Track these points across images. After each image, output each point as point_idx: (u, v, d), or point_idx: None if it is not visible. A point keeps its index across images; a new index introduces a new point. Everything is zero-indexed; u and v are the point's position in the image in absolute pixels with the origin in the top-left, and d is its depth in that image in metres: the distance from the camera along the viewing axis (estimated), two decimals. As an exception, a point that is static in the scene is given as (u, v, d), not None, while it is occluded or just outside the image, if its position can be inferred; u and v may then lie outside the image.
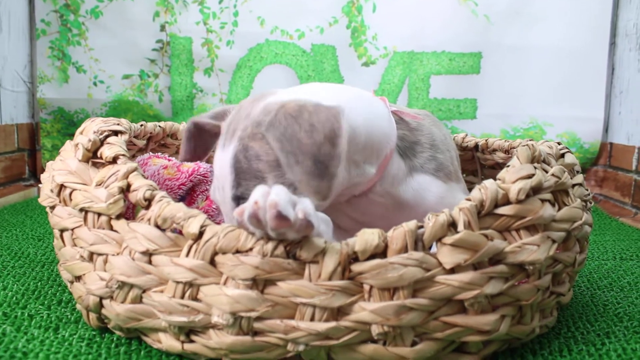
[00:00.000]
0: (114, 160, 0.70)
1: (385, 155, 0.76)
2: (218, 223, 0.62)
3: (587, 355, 0.67)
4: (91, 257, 0.67)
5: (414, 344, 0.59)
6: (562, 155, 0.79)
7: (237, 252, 0.58)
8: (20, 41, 1.78)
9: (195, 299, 0.60)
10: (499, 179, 0.64)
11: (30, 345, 0.66)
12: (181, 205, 0.62)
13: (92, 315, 0.68)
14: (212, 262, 0.59)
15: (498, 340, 0.63)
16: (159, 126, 1.05)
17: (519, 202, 0.62)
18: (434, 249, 0.60)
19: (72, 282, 0.71)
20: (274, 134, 0.63)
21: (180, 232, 0.61)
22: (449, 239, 0.58)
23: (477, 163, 1.10)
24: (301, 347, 0.57)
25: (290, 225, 0.54)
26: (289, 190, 0.56)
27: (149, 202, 0.64)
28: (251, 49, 1.89)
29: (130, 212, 0.70)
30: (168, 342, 0.62)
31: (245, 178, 0.66)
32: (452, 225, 0.59)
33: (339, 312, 0.57)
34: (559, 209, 0.67)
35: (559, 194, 0.68)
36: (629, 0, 1.78)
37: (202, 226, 0.60)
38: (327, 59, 1.90)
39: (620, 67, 1.82)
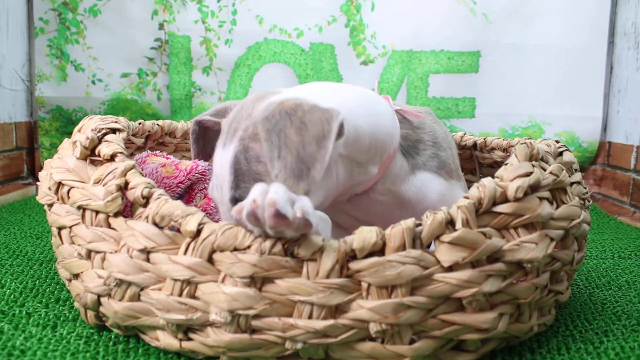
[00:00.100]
0: (112, 158, 0.70)
1: (388, 155, 0.76)
2: (216, 221, 0.62)
3: (585, 353, 0.67)
4: (89, 254, 0.67)
5: (412, 342, 0.59)
6: (561, 154, 0.79)
7: (235, 249, 0.58)
8: (18, 39, 1.78)
9: (193, 296, 0.59)
10: (497, 177, 0.64)
11: (28, 343, 0.66)
12: (179, 203, 0.62)
13: (90, 313, 0.68)
14: (210, 260, 0.59)
15: (496, 339, 0.63)
16: (157, 124, 1.05)
17: (517, 200, 0.62)
18: (432, 247, 0.60)
19: (70, 280, 0.71)
20: (265, 126, 0.63)
21: (178, 230, 0.61)
22: (447, 237, 0.58)
23: (475, 162, 1.10)
24: (299, 345, 0.57)
25: (288, 224, 0.54)
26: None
27: (146, 199, 0.64)
28: (250, 48, 1.88)
29: (128, 210, 0.70)
30: (166, 340, 0.62)
31: (244, 180, 0.66)
32: (450, 223, 0.59)
33: (337, 310, 0.57)
34: (557, 207, 0.67)
35: (557, 192, 0.68)
36: (627, -1, 1.78)
37: (200, 224, 0.60)
38: (326, 58, 1.90)
39: (619, 66, 1.82)
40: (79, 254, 0.68)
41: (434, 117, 0.89)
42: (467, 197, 0.61)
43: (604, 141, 1.88)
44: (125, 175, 0.66)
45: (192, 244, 0.59)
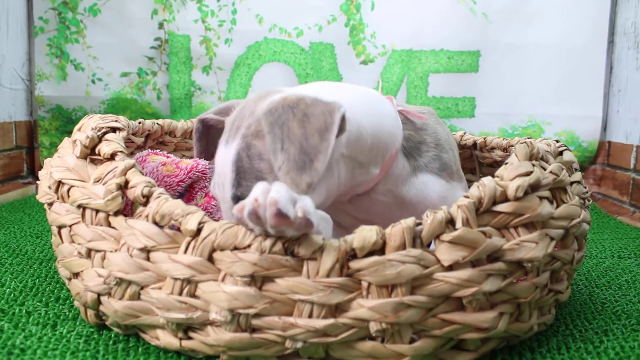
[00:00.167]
0: (112, 157, 0.70)
1: (390, 156, 0.76)
2: (217, 220, 0.62)
3: (585, 353, 0.67)
4: (89, 253, 0.67)
5: (412, 341, 0.59)
6: (561, 153, 0.79)
7: (235, 248, 0.58)
8: (18, 39, 1.78)
9: (193, 295, 0.59)
10: (497, 176, 0.64)
11: (28, 341, 0.66)
12: (179, 202, 0.62)
13: (90, 312, 0.68)
14: (210, 259, 0.59)
15: (496, 338, 0.63)
16: (157, 124, 1.05)
17: (517, 199, 0.62)
18: (432, 246, 0.60)
19: (70, 279, 0.71)
20: (268, 119, 0.63)
21: (179, 229, 0.61)
22: (447, 236, 0.58)
23: (475, 161, 1.10)
24: (299, 344, 0.57)
25: (290, 223, 0.54)
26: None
27: (147, 198, 0.64)
28: (249, 47, 1.88)
29: (128, 209, 0.70)
30: (166, 338, 0.62)
31: (246, 178, 0.66)
32: (450, 223, 0.59)
33: (337, 309, 0.57)
34: (557, 206, 0.67)
35: (557, 192, 0.68)
36: (627, -2, 1.78)
37: (200, 223, 0.60)
38: (326, 57, 1.90)
39: (619, 65, 1.82)
40: (79, 253, 0.68)
41: (436, 117, 0.89)
42: (467, 197, 0.61)
43: (604, 141, 1.88)
44: (125, 174, 0.66)
45: (192, 243, 0.59)
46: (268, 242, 0.57)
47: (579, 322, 0.76)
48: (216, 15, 1.86)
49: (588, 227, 0.75)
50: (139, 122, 0.99)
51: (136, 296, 0.62)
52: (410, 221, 0.58)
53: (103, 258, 0.65)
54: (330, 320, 0.57)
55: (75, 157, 0.72)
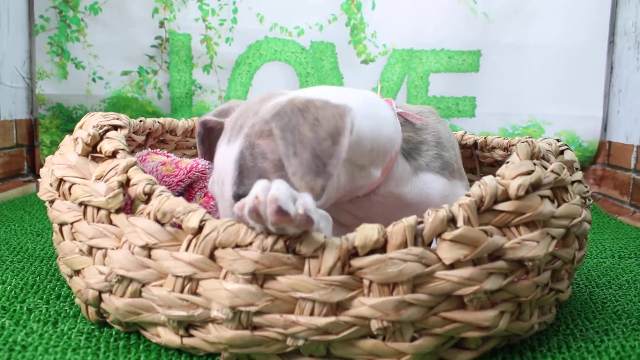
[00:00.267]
0: (113, 155, 0.70)
1: (390, 159, 0.76)
2: (216, 219, 0.62)
3: (585, 352, 0.67)
4: (90, 251, 0.67)
5: (413, 339, 0.59)
6: (562, 152, 0.79)
7: (237, 246, 0.58)
8: (19, 37, 1.78)
9: (194, 293, 0.60)
10: (499, 175, 0.64)
11: (29, 338, 0.66)
12: (181, 199, 0.62)
13: (91, 310, 0.68)
14: (212, 257, 0.59)
15: (497, 337, 0.63)
16: (158, 122, 1.05)
17: (518, 198, 0.62)
18: (433, 245, 0.60)
19: (71, 277, 0.71)
20: (278, 123, 0.63)
21: (180, 227, 0.61)
22: (448, 235, 0.58)
23: (476, 161, 1.10)
24: (300, 342, 0.57)
25: (290, 221, 0.54)
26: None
27: (148, 196, 0.64)
28: (250, 46, 1.88)
29: (128, 207, 0.70)
30: (167, 336, 0.62)
31: (248, 177, 0.66)
32: (451, 221, 0.59)
33: (338, 307, 0.57)
34: (558, 205, 0.67)
35: (559, 191, 0.68)
36: (628, -1, 1.78)
37: (201, 220, 0.60)
38: (327, 57, 1.90)
39: (619, 65, 1.82)
40: (80, 250, 0.68)
41: (437, 116, 0.89)
42: (468, 195, 0.61)
43: (604, 141, 1.88)
44: (127, 171, 0.66)
45: (193, 241, 0.60)
46: (270, 240, 0.57)
47: (580, 322, 0.76)
48: (217, 14, 1.86)
49: (589, 226, 0.75)
50: (140, 121, 0.99)
51: (137, 294, 0.62)
52: (411, 219, 0.58)
53: (104, 255, 0.65)
54: (332, 318, 0.57)
55: (76, 154, 0.72)
